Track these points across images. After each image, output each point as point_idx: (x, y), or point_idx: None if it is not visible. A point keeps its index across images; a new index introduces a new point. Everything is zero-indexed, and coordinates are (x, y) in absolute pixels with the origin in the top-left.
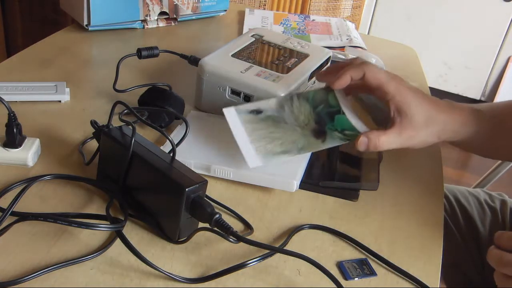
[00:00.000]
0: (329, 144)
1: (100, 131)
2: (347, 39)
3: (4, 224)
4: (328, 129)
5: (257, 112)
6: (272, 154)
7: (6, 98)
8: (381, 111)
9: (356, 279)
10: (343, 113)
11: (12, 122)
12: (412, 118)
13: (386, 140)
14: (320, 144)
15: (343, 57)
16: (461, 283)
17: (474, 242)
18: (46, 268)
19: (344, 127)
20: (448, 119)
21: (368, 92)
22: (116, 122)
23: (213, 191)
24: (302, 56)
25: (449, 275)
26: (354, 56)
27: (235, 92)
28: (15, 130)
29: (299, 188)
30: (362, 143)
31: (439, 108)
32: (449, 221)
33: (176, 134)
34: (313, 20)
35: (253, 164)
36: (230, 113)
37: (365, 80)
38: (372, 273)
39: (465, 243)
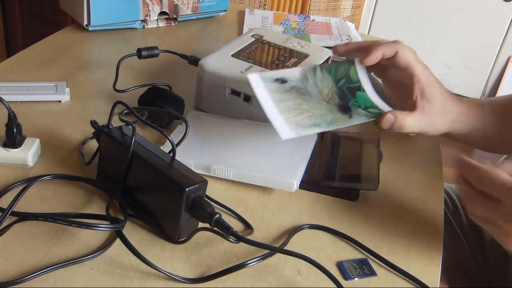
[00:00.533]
0: (356, 120)
1: (100, 131)
2: (347, 39)
3: (4, 224)
4: (351, 105)
5: (282, 81)
6: (303, 126)
7: (6, 98)
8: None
9: (356, 279)
10: (363, 90)
11: (12, 122)
12: (435, 104)
13: (412, 122)
14: (347, 120)
15: (343, 57)
16: (464, 282)
17: (477, 241)
18: (46, 268)
19: (367, 104)
20: (459, 110)
21: (384, 72)
22: (116, 122)
23: (213, 191)
24: (302, 56)
25: (452, 274)
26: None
27: (235, 92)
28: (15, 130)
29: (299, 188)
30: (387, 121)
31: (453, 100)
32: (452, 220)
33: (176, 134)
34: (313, 20)
35: (286, 136)
36: (256, 80)
37: (396, 58)
38: (372, 273)
39: (468, 242)
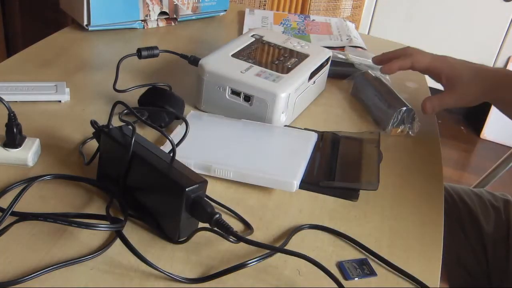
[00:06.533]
0: None
1: (100, 131)
2: (347, 39)
3: (4, 224)
4: None
5: None
6: None
7: (6, 98)
8: (380, 111)
9: (356, 279)
10: None
11: (12, 122)
12: (461, 81)
13: (444, 100)
14: None
15: (343, 57)
16: (465, 281)
17: (478, 240)
18: (46, 268)
19: None
20: (485, 82)
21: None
22: (116, 122)
23: (213, 191)
24: (302, 56)
25: (452, 272)
26: (356, 57)
27: (235, 92)
28: (15, 130)
29: (299, 188)
30: (427, 105)
31: (481, 68)
32: (453, 219)
33: (176, 134)
34: (313, 20)
35: None
36: None
37: (415, 68)
38: (372, 273)
39: (469, 241)
